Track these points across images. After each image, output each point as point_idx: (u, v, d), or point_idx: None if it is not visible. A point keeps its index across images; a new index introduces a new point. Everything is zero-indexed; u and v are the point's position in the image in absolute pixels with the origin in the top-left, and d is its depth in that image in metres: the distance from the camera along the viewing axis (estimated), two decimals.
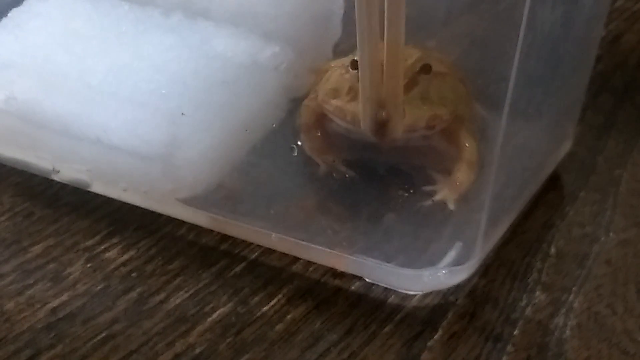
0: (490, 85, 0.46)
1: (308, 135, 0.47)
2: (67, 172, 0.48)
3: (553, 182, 0.51)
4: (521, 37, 0.39)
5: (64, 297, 0.43)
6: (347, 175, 0.46)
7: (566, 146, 0.52)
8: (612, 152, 0.54)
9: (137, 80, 0.48)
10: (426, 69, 0.44)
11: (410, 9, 0.51)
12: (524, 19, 0.38)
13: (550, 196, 0.50)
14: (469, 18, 0.50)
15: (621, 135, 0.55)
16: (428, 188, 0.45)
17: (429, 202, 0.45)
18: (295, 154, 0.46)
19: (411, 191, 0.45)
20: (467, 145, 0.46)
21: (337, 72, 0.46)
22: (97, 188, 0.48)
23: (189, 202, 0.46)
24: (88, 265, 0.45)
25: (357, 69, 0.42)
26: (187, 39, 0.52)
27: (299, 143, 0.47)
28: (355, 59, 0.42)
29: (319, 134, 0.47)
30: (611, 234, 0.47)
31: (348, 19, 0.52)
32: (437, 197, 0.45)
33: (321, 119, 0.47)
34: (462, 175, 0.45)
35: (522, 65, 0.40)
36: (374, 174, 0.46)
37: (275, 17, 0.53)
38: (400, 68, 0.41)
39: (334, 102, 0.45)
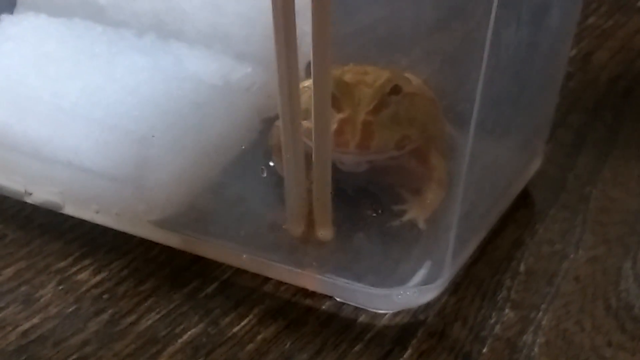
0: (458, 104, 0.47)
1: (280, 156, 0.48)
2: (40, 194, 0.48)
3: (523, 200, 0.51)
4: (485, 58, 0.39)
5: (36, 320, 0.43)
6: None
7: (536, 164, 0.53)
8: (582, 170, 0.54)
9: (110, 102, 0.49)
10: (396, 90, 0.44)
11: (381, 27, 0.52)
12: (488, 41, 0.39)
13: (520, 214, 0.50)
14: (439, 37, 0.51)
15: (591, 153, 0.56)
16: (397, 207, 0.46)
17: (397, 222, 0.45)
18: (264, 175, 0.46)
19: (380, 211, 0.45)
20: (436, 164, 0.46)
21: (308, 93, 0.46)
22: (69, 210, 0.48)
23: (161, 223, 0.46)
24: (60, 288, 0.45)
25: None
26: (160, 61, 0.52)
27: (271, 164, 0.48)
28: None
29: None
30: (580, 251, 0.48)
31: None
32: (407, 217, 0.45)
33: None
34: (432, 194, 0.46)
35: (488, 86, 0.40)
36: (344, 194, 0.46)
37: (247, 38, 0.54)
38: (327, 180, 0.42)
39: (304, 123, 0.45)
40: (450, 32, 0.48)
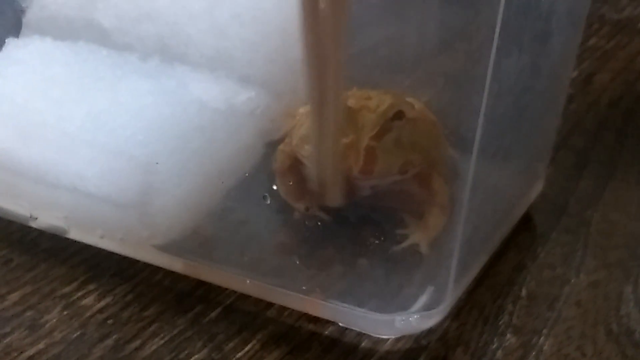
0: (460, 128, 0.47)
1: (283, 180, 0.48)
2: (45, 219, 0.49)
3: (525, 223, 0.52)
4: (487, 86, 0.40)
5: (41, 345, 0.43)
6: (319, 223, 0.46)
7: (538, 187, 0.53)
8: (583, 193, 0.54)
9: (114, 126, 0.49)
10: (399, 115, 0.45)
11: (384, 49, 0.52)
12: (490, 70, 0.39)
13: (522, 237, 0.51)
14: (441, 61, 0.51)
15: (593, 176, 0.56)
16: (400, 232, 0.46)
17: (400, 247, 0.45)
18: (268, 202, 0.47)
19: (382, 238, 0.46)
20: (439, 189, 0.47)
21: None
22: (74, 235, 0.48)
23: (165, 248, 0.46)
24: (65, 313, 0.45)
25: None
26: (164, 84, 0.53)
27: (275, 187, 0.48)
28: None
29: (294, 179, 0.48)
30: (581, 275, 0.48)
31: None
32: (408, 242, 0.45)
33: (296, 164, 0.48)
34: (434, 219, 0.46)
35: (490, 111, 0.41)
36: (346, 219, 0.46)
37: (251, 61, 0.54)
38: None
39: (307, 147, 0.45)
40: (453, 57, 0.48)
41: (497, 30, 0.39)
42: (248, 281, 0.45)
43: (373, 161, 0.43)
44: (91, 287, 0.47)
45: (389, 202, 0.47)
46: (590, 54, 0.70)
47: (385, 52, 0.52)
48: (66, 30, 0.56)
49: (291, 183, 0.48)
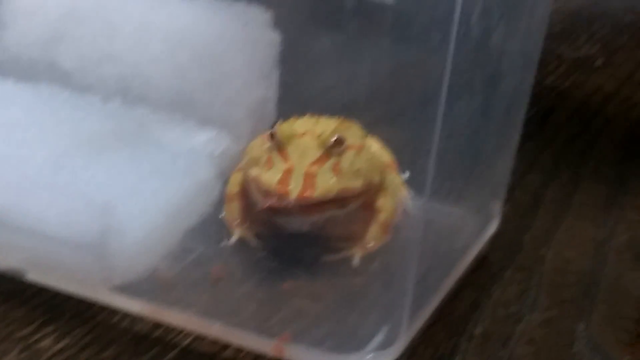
0: (413, 169, 0.48)
1: (230, 205, 0.49)
2: (3, 261, 0.49)
3: (480, 262, 0.52)
4: (437, 130, 0.40)
5: None
6: (258, 253, 0.48)
7: (493, 226, 0.54)
8: (538, 231, 0.55)
9: (74, 168, 0.49)
10: (339, 142, 0.45)
11: (341, 90, 0.53)
12: (439, 115, 0.40)
13: (477, 276, 0.51)
14: (395, 102, 0.52)
15: (548, 214, 0.57)
16: (336, 244, 0.47)
17: (332, 257, 0.46)
18: (226, 242, 0.47)
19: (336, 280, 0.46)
20: (382, 206, 0.48)
21: (259, 141, 0.48)
22: (33, 277, 0.49)
23: (123, 289, 0.47)
24: (23, 355, 0.45)
25: (274, 140, 0.45)
26: (125, 126, 0.53)
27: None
28: (273, 130, 0.45)
29: (240, 205, 0.49)
30: (535, 313, 0.49)
31: (283, 103, 0.54)
32: (342, 254, 0.47)
33: (244, 190, 0.48)
34: (372, 235, 0.48)
35: (441, 154, 0.41)
36: (294, 252, 0.47)
37: (211, 103, 0.55)
38: None
39: (252, 170, 0.46)
40: (404, 101, 0.49)
41: (447, 75, 0.40)
42: (205, 322, 0.45)
43: (311, 187, 0.44)
44: (49, 329, 0.47)
45: (331, 225, 0.47)
46: (548, 93, 0.72)
47: (339, 93, 0.53)
48: (28, 72, 0.57)
49: (238, 207, 0.48)
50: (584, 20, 0.84)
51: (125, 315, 0.47)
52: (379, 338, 0.44)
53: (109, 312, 0.48)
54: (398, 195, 0.49)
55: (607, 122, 0.69)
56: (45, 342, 0.46)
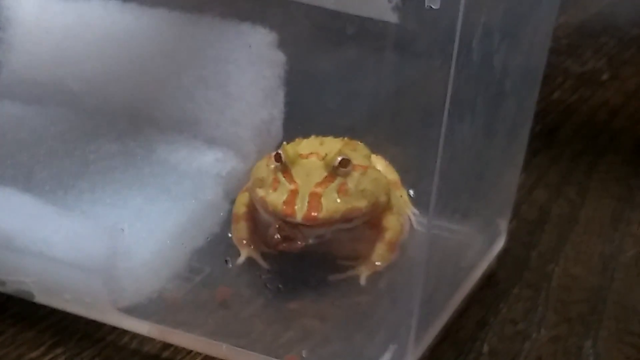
0: (417, 192, 0.48)
1: (237, 225, 0.49)
2: (12, 284, 0.49)
3: (487, 279, 0.52)
4: (440, 151, 0.41)
5: None
6: (262, 275, 0.47)
7: (499, 243, 0.54)
8: (545, 247, 0.55)
9: (82, 190, 0.50)
10: (344, 162, 0.46)
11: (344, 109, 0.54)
12: (442, 136, 0.40)
13: (484, 293, 0.51)
14: (398, 123, 0.52)
15: (555, 230, 0.57)
16: (343, 263, 0.47)
17: (339, 277, 0.46)
18: (230, 265, 0.47)
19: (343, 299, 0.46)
20: (389, 225, 0.48)
21: (265, 161, 0.48)
22: (41, 299, 0.49)
23: (131, 311, 0.47)
24: None
25: (280, 161, 0.45)
26: (132, 147, 0.54)
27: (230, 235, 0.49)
28: (278, 151, 0.45)
29: (247, 225, 0.49)
30: (542, 331, 0.49)
31: (289, 123, 0.54)
32: (349, 273, 0.47)
33: (251, 210, 0.49)
34: (379, 254, 0.47)
35: (445, 174, 0.41)
36: (301, 272, 0.47)
37: (218, 123, 0.55)
38: None
39: (258, 191, 0.46)
40: (407, 122, 0.50)
41: (448, 95, 0.40)
42: (213, 342, 0.46)
43: (317, 208, 0.44)
44: (58, 350, 0.47)
45: (337, 244, 0.47)
46: (554, 108, 0.72)
47: (343, 112, 0.54)
48: (36, 95, 0.57)
49: (245, 227, 0.49)
50: (589, 34, 0.84)
51: (135, 336, 0.48)
52: (386, 357, 0.44)
53: (118, 333, 0.48)
54: (404, 214, 0.50)
55: (614, 137, 0.69)
56: None
